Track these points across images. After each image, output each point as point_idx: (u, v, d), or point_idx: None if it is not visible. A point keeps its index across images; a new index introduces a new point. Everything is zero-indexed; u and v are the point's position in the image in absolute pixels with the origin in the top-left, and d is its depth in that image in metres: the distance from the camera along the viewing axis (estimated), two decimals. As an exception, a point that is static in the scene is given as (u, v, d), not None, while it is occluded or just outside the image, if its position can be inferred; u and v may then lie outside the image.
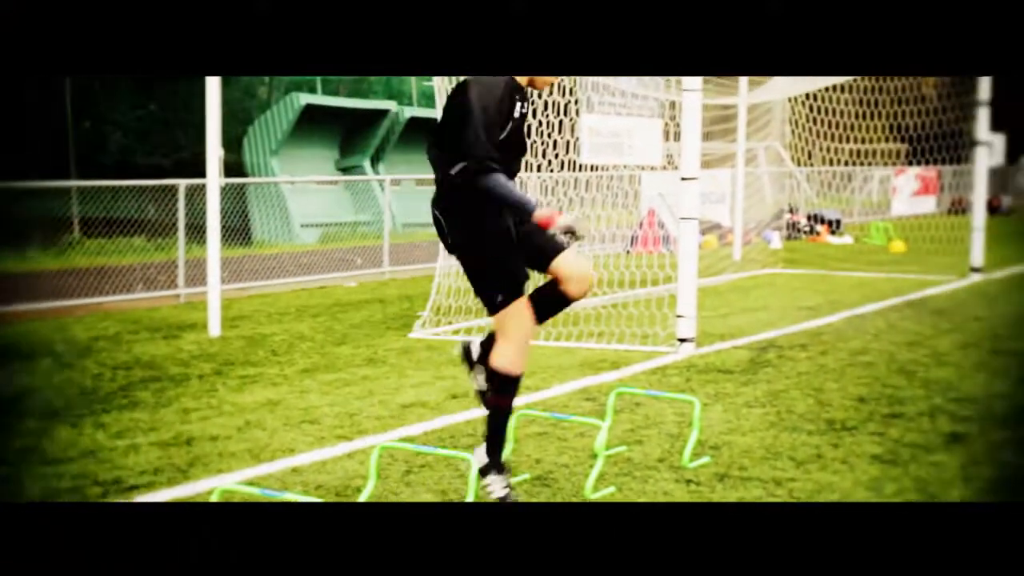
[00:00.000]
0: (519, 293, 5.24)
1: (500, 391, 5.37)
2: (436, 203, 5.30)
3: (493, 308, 5.26)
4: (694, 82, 9.32)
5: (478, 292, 5.34)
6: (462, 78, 5.39)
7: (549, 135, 12.49)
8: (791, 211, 23.09)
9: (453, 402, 7.62)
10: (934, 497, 5.45)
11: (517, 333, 5.27)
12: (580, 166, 15.16)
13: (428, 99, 26.40)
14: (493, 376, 5.36)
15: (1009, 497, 5.60)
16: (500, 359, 5.29)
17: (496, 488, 5.31)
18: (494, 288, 5.24)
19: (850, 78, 18.60)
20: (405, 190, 24.22)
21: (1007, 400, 7.65)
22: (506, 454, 5.62)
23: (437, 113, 10.98)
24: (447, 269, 11.20)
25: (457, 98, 5.22)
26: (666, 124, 22.91)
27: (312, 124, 22.68)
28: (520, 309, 5.24)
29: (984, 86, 15.34)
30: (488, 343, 5.48)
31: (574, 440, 6.54)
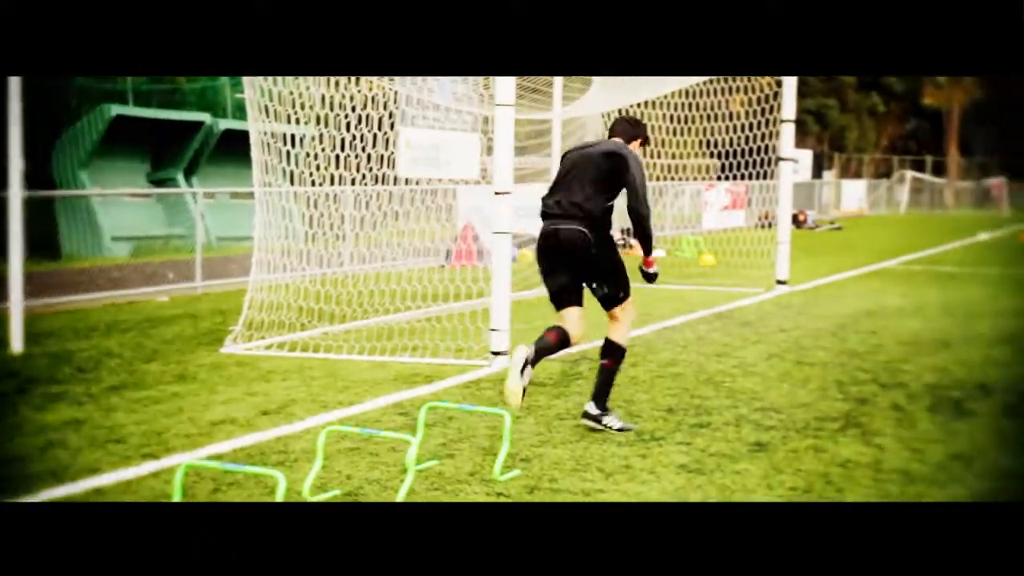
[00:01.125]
0: (629, 294, 7.27)
1: (616, 359, 7.26)
2: (580, 225, 7.04)
3: (616, 302, 7.22)
4: (507, 96, 9.39)
5: (609, 288, 7.19)
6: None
7: (364, 148, 12.43)
8: (605, 225, 23.42)
9: (263, 418, 7.51)
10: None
11: (629, 319, 7.31)
12: (396, 180, 15.14)
13: (242, 111, 25.98)
14: (613, 348, 7.24)
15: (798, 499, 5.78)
16: (620, 337, 7.26)
17: (614, 423, 7.16)
18: (620, 288, 7.22)
19: (662, 95, 19.00)
20: (219, 203, 23.79)
21: (809, 408, 7.90)
22: (316, 470, 5.62)
23: (251, 125, 10.80)
24: (260, 283, 11.03)
25: (624, 163, 7.12)
26: (482, 138, 23.07)
27: (123, 135, 22.08)
28: (630, 304, 7.31)
29: (788, 105, 15.85)
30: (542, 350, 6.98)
31: (386, 455, 6.51)
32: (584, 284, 7.22)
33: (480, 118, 22.73)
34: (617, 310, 7.25)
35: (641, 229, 7.21)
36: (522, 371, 6.70)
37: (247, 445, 6.81)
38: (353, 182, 12.45)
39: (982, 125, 68.04)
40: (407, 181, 21.98)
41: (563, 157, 7.49)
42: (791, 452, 6.71)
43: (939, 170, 65.36)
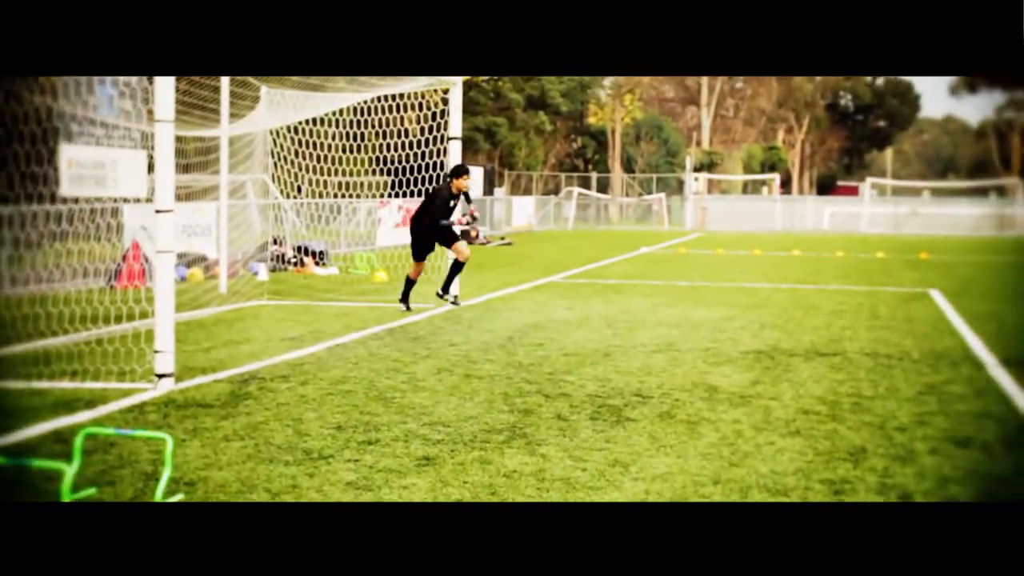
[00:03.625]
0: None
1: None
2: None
3: (450, 243, 14.82)
4: (166, 113, 9.15)
5: (444, 244, 14.99)
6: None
7: (18, 167, 11.83)
8: (277, 243, 23.21)
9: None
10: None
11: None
12: (58, 198, 14.50)
13: None
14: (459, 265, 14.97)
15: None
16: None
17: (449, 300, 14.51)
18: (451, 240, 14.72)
19: (333, 111, 18.97)
20: None
21: (476, 421, 8.05)
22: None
23: None
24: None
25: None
26: (149, 156, 22.39)
27: None
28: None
29: (455, 122, 16.14)
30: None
31: (42, 485, 6.20)
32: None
33: (146, 135, 22.07)
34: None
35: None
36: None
37: None
38: (6, 200, 11.83)
39: (640, 144, 71.30)
40: (72, 200, 21.10)
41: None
42: (458, 465, 6.81)
43: (604, 187, 67.99)
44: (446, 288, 15.24)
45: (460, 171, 14.89)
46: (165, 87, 9.14)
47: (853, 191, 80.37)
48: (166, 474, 6.04)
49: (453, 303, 15.25)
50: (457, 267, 15.13)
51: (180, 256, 19.51)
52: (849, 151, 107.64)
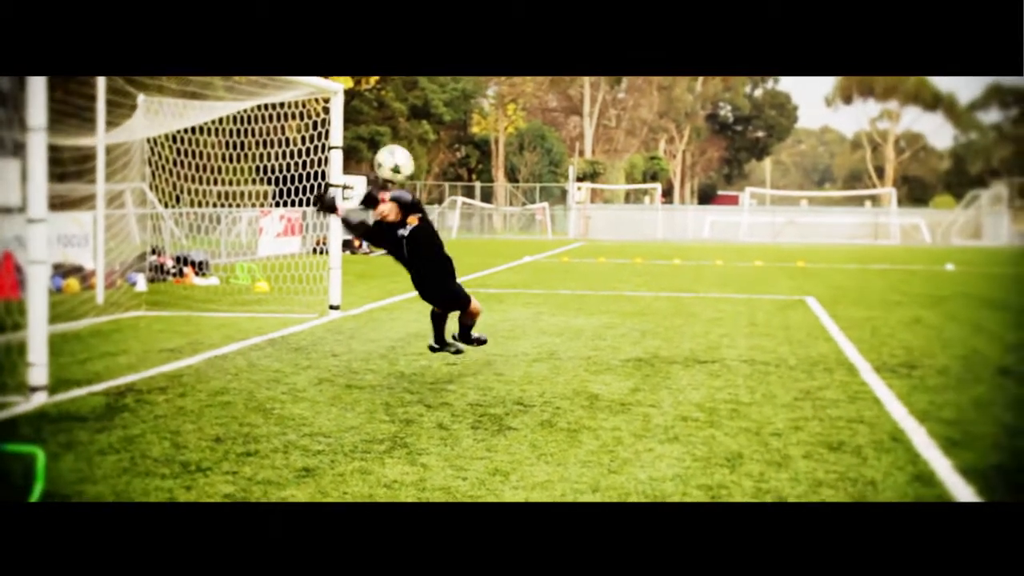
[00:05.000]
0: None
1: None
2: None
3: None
4: (39, 121, 8.97)
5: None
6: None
7: None
8: (156, 253, 22.86)
9: None
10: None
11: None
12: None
13: None
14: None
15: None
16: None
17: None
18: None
19: (213, 120, 18.75)
20: None
21: (357, 431, 8.02)
22: None
23: None
24: None
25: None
26: (22, 164, 21.90)
27: None
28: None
29: (336, 132, 16.06)
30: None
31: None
32: None
33: (20, 143, 21.59)
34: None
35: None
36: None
37: None
38: None
39: (524, 153, 71.66)
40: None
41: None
42: (338, 476, 6.78)
43: (488, 196, 68.20)
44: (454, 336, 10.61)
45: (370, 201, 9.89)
46: (37, 93, 8.97)
47: (733, 200, 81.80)
48: (38, 489, 5.92)
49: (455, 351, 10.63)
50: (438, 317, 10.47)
51: (56, 267, 19.12)
52: (729, 161, 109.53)
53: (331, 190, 8.68)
